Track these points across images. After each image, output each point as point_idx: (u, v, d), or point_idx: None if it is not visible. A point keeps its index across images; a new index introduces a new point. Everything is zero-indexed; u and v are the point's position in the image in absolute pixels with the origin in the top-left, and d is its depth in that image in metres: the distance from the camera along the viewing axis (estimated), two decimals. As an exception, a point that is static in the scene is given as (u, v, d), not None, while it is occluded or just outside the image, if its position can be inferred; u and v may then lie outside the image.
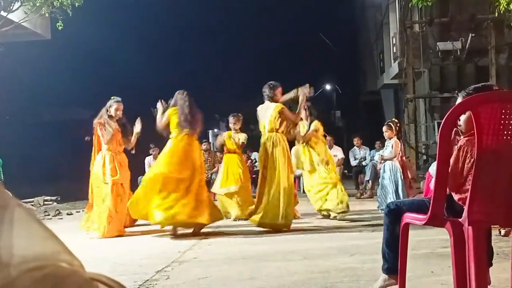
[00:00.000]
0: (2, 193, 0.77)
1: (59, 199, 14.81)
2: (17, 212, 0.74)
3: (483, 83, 3.47)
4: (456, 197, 3.17)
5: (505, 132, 2.95)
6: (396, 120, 10.47)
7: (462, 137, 3.25)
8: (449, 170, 3.11)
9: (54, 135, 26.48)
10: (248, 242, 6.85)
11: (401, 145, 10.21)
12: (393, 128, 9.90)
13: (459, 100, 3.26)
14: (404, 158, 10.43)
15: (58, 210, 12.37)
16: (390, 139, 9.85)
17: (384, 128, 9.94)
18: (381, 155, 10.05)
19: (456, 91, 18.30)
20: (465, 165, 3.07)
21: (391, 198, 9.31)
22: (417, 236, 5.92)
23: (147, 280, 4.70)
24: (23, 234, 0.73)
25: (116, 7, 28.52)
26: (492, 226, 3.86)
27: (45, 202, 14.29)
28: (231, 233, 7.85)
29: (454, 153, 3.15)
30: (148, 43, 34.34)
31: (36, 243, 0.74)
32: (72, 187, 16.80)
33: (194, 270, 5.07)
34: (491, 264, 3.55)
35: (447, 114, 2.97)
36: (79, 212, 12.29)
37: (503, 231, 5.96)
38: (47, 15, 12.65)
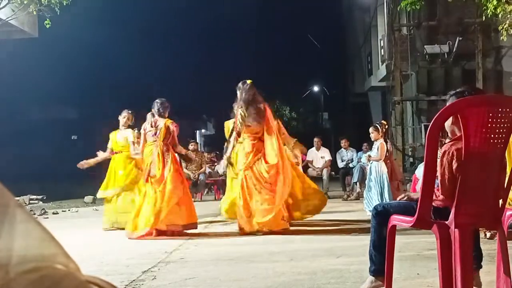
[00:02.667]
0: (3, 191, 0.77)
1: (44, 198, 14.71)
2: (17, 212, 0.74)
3: (470, 86, 3.50)
4: (442, 200, 3.19)
5: (492, 136, 2.98)
6: (384, 122, 10.50)
7: (447, 140, 3.28)
8: (439, 179, 3.13)
9: (40, 133, 26.33)
10: (235, 243, 6.85)
11: (390, 147, 10.24)
12: (380, 130, 9.94)
13: (447, 103, 3.28)
14: (392, 160, 10.47)
15: (43, 209, 12.29)
16: (376, 140, 9.88)
17: (371, 130, 9.97)
18: (369, 155, 10.09)
19: (442, 94, 18.46)
20: (452, 170, 3.09)
21: (376, 199, 9.35)
22: (404, 238, 5.95)
23: (134, 280, 4.68)
24: (22, 235, 0.73)
25: (104, 6, 28.41)
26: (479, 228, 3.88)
27: (31, 201, 14.19)
28: (218, 233, 7.85)
29: (439, 159, 3.17)
30: (136, 41, 34.24)
31: (35, 245, 0.74)
32: (58, 186, 16.73)
33: (181, 271, 5.06)
34: (480, 267, 3.58)
35: (434, 117, 2.99)
36: (65, 211, 12.23)
37: (488, 234, 6.00)
38: (34, 13, 12.57)
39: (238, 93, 8.03)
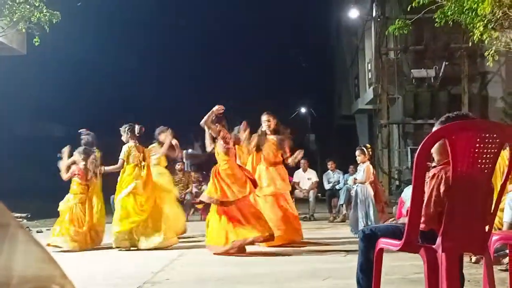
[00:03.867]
0: (5, 211, 0.77)
1: (29, 216, 14.57)
2: (18, 232, 0.75)
3: (459, 112, 3.53)
4: (430, 224, 3.20)
5: (480, 161, 3.01)
6: (368, 146, 10.57)
7: (433, 164, 3.30)
8: (425, 201, 3.15)
9: (26, 150, 26.14)
10: (222, 264, 6.82)
11: (373, 170, 10.29)
12: (366, 152, 10.01)
13: (435, 128, 3.31)
14: (377, 182, 10.51)
15: (28, 227, 12.17)
16: (363, 163, 9.93)
17: (357, 153, 10.03)
18: (354, 178, 10.12)
19: (428, 118, 18.60)
20: (440, 193, 3.11)
21: (361, 221, 9.36)
22: (391, 262, 5.95)
23: (119, 300, 4.65)
24: (23, 255, 0.73)
25: (94, 23, 28.45)
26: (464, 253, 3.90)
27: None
28: (203, 254, 7.81)
29: (428, 182, 3.19)
30: (125, 60, 34.23)
31: (34, 265, 0.74)
32: (42, 205, 16.55)
33: (166, 291, 5.04)
34: (462, 291, 3.59)
35: (422, 142, 3.02)
36: (49, 229, 12.10)
37: (474, 258, 6.01)
38: (23, 30, 12.56)
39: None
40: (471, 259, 6.01)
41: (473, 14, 9.86)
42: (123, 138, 8.81)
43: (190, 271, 6.31)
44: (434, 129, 3.28)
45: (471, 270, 5.42)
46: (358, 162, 10.07)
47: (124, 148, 8.66)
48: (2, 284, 0.70)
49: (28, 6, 11.82)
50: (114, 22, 32.59)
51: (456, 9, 10.21)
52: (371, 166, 10.05)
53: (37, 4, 11.89)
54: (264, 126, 8.87)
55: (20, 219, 14.19)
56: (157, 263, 6.81)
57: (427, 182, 3.19)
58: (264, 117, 8.93)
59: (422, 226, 3.15)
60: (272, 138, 8.84)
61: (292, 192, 14.16)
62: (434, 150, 3.26)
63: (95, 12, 25.87)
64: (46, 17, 11.92)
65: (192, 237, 9.76)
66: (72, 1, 15.08)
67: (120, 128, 8.90)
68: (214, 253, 7.48)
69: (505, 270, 4.67)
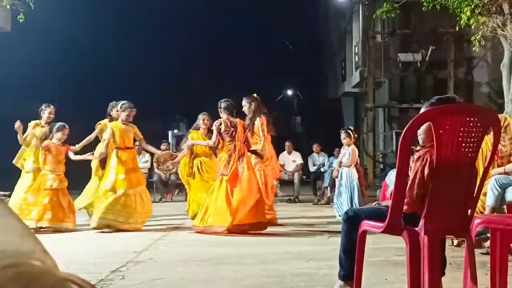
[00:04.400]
0: None
1: (12, 194, 14.47)
2: None
3: (447, 95, 3.53)
4: (413, 206, 3.22)
5: (464, 144, 3.02)
6: (352, 128, 10.58)
7: (418, 147, 3.31)
8: (409, 182, 3.16)
9: (10, 129, 25.87)
10: (205, 244, 6.83)
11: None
12: (352, 135, 10.01)
13: (422, 109, 3.31)
14: (359, 166, 10.54)
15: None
16: (348, 146, 9.95)
17: (343, 135, 10.02)
18: (340, 162, 10.12)
19: (414, 102, 18.67)
20: (424, 175, 3.12)
21: (346, 205, 9.41)
22: (373, 244, 5.99)
23: (102, 279, 4.64)
24: (1, 230, 0.72)
25: (80, 0, 28.17)
26: (446, 236, 3.93)
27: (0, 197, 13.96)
28: (187, 234, 7.82)
29: (413, 163, 3.21)
30: (111, 35, 33.93)
31: (13, 240, 0.73)
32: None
33: (149, 271, 5.03)
34: (443, 274, 3.62)
35: (407, 125, 3.02)
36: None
37: (456, 241, 6.07)
38: (8, 7, 12.39)
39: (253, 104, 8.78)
40: (453, 242, 6.07)
41: (461, -2, 9.87)
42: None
43: (173, 251, 6.31)
44: (422, 110, 3.28)
45: (453, 253, 5.47)
46: (344, 144, 10.08)
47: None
48: None
49: (12, -18, 11.66)
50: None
51: (444, -7, 10.22)
52: (356, 149, 10.08)
53: (21, -20, 11.73)
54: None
55: (3, 197, 14.11)
56: (140, 243, 6.81)
57: (411, 165, 3.20)
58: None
59: (405, 208, 3.16)
60: None
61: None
62: (421, 131, 3.26)
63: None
64: (31, -7, 11.76)
65: (176, 217, 9.76)
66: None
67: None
68: (216, 233, 7.54)
69: (486, 254, 4.71)
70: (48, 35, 26.47)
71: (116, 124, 8.46)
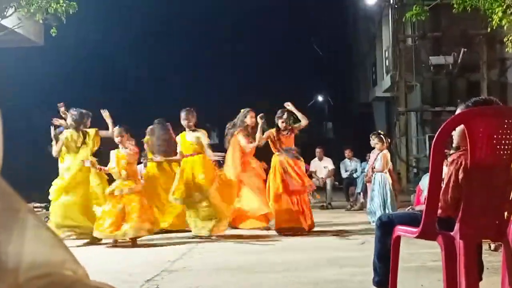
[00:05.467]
0: (14, 196, 0.77)
1: (48, 206, 14.68)
2: (28, 218, 0.75)
3: (483, 97, 3.48)
4: (447, 211, 3.18)
5: (498, 147, 2.97)
6: (382, 132, 10.47)
7: (452, 151, 3.27)
8: (443, 186, 3.12)
9: (45, 141, 26.31)
10: (238, 251, 6.84)
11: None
12: (384, 140, 9.91)
13: (458, 111, 3.27)
14: (391, 170, 10.43)
15: (47, 217, 12.26)
16: (381, 151, 9.85)
17: (376, 140, 9.92)
18: (372, 167, 10.02)
19: (447, 106, 18.46)
20: (458, 179, 3.08)
21: (379, 210, 9.31)
22: (408, 249, 5.92)
23: (136, 289, 4.68)
24: (33, 241, 0.73)
25: (111, 14, 28.51)
26: (482, 240, 3.87)
27: (34, 209, 14.18)
28: (221, 240, 7.84)
29: (447, 166, 3.17)
30: (144, 48, 34.23)
31: (45, 250, 0.74)
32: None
33: (183, 280, 5.05)
34: (481, 279, 3.56)
35: (440, 128, 2.98)
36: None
37: (493, 246, 5.97)
38: (41, 21, 12.62)
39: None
40: (489, 246, 5.97)
41: (492, -1, 9.75)
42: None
43: (207, 259, 6.33)
44: (457, 112, 3.24)
45: (490, 258, 5.38)
46: (376, 149, 9.98)
47: None
48: (11, 270, 0.70)
49: (45, -3, 11.88)
50: (133, 13, 32.64)
51: (474, -6, 10.09)
52: (388, 154, 9.98)
53: (53, -5, 11.95)
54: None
55: (40, 209, 14.33)
56: (174, 252, 6.84)
57: (445, 169, 3.16)
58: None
59: (439, 212, 3.12)
60: None
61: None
62: (455, 134, 3.22)
63: (112, 1, 25.93)
64: (63, 7, 11.97)
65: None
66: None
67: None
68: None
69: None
70: (80, 48, 26.86)
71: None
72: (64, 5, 11.97)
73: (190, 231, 8.41)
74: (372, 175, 9.88)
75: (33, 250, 0.72)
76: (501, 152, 2.99)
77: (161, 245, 7.69)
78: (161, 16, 36.21)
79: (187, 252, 6.87)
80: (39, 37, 16.06)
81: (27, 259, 0.71)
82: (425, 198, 3.23)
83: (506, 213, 3.23)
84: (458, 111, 3.25)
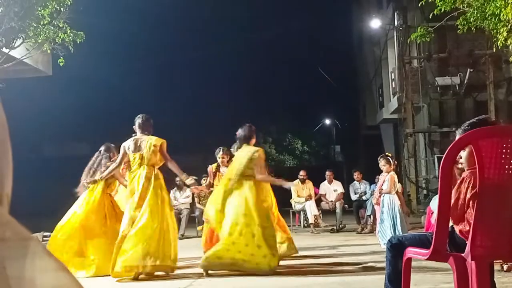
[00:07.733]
0: (21, 227, 0.79)
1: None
2: (35, 245, 0.77)
3: (477, 118, 3.49)
4: (457, 229, 3.17)
5: (507, 166, 2.96)
6: (389, 154, 10.47)
7: (460, 170, 3.26)
8: (452, 202, 3.11)
9: (53, 170, 26.49)
10: (248, 276, 6.80)
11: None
12: (391, 162, 9.92)
13: (457, 136, 3.28)
14: (399, 192, 10.40)
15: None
16: (388, 173, 9.84)
17: (383, 162, 9.93)
18: (380, 189, 10.00)
19: (455, 126, 18.44)
20: (467, 197, 3.07)
21: (389, 232, 9.26)
22: (419, 271, 5.88)
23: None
24: (42, 267, 0.75)
25: (118, 43, 28.81)
26: (494, 261, 3.84)
27: (44, 238, 14.18)
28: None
29: (456, 185, 3.16)
30: (151, 78, 34.57)
31: (51, 276, 0.76)
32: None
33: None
34: (494, 300, 3.53)
35: (448, 149, 2.98)
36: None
37: (505, 266, 5.92)
38: (48, 51, 12.77)
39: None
40: (502, 267, 5.92)
41: (496, 19, 9.78)
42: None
43: (218, 285, 6.30)
44: (457, 137, 3.25)
45: (503, 279, 5.33)
46: (384, 171, 9.98)
47: None
48: None
49: (52, 27, 12.03)
50: (138, 41, 32.95)
51: (478, 15, 10.13)
52: (395, 175, 9.96)
53: (61, 25, 12.11)
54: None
55: (48, 238, 14.32)
56: (184, 279, 6.80)
57: (456, 185, 3.15)
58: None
59: (451, 222, 3.12)
60: None
61: (318, 204, 14.16)
62: (463, 158, 3.23)
63: (119, 31, 26.21)
64: (70, 37, 12.12)
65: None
66: (96, 21, 15.30)
67: None
68: None
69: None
70: (87, 77, 27.10)
71: None
72: (72, 34, 12.12)
73: None
74: (380, 197, 9.86)
75: (42, 275, 0.74)
76: (510, 171, 2.98)
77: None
78: (172, 44, 36.51)
79: (197, 279, 6.84)
80: (47, 67, 16.21)
81: (39, 285, 0.72)
82: (435, 220, 3.22)
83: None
84: (458, 136, 3.26)
